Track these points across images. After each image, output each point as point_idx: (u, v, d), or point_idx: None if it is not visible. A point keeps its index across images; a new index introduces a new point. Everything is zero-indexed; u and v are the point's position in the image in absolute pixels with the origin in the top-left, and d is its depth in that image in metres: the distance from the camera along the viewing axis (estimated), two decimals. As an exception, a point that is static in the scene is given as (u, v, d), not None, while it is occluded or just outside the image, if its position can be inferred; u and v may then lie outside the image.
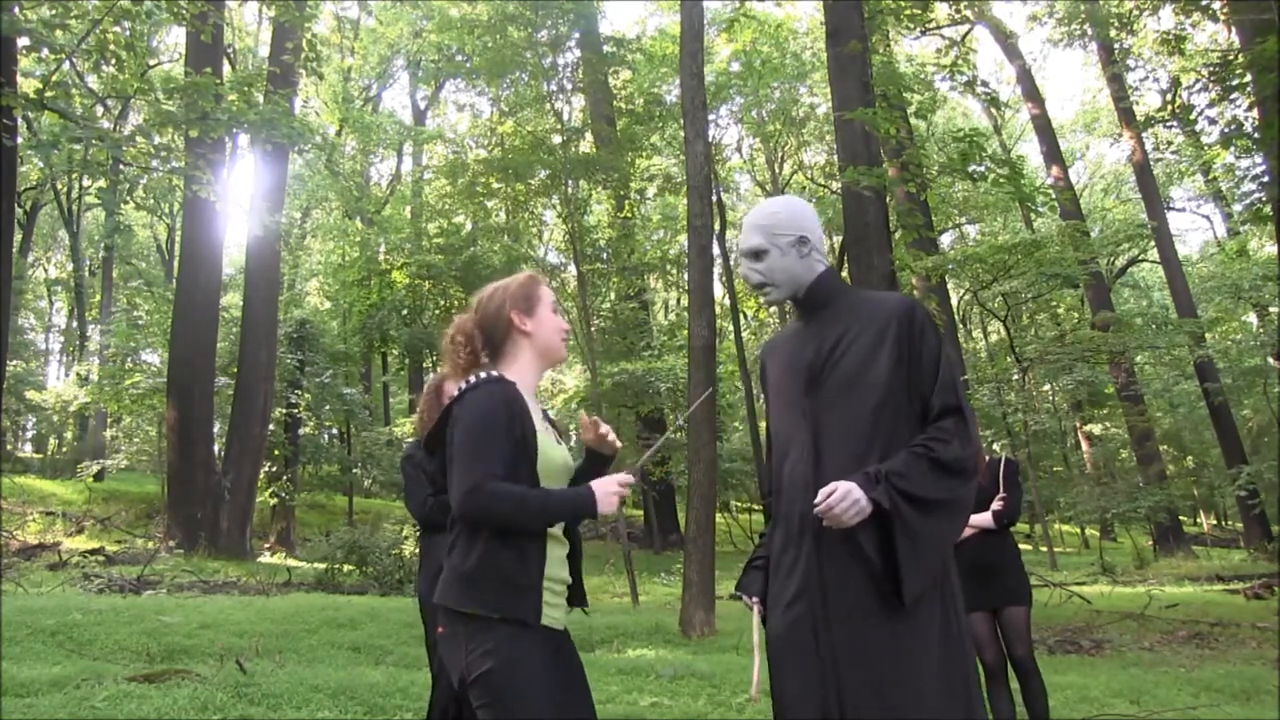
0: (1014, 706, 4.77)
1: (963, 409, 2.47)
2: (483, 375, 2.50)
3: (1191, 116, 17.68)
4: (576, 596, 2.61)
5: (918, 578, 2.35)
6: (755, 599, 2.64)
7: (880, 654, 2.34)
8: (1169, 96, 20.48)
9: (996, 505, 4.85)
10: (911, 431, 2.49)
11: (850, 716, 2.32)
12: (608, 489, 2.44)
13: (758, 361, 2.90)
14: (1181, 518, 26.13)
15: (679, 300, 37.08)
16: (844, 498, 2.31)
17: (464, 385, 2.49)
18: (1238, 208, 26.47)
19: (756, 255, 2.67)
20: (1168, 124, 20.51)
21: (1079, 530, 34.32)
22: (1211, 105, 16.29)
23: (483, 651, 2.33)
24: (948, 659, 2.39)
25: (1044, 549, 23.11)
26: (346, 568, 14.92)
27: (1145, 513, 22.63)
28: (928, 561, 2.38)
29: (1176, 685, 7.10)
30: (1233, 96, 14.76)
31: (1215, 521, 37.64)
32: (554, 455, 2.53)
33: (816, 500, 2.34)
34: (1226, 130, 16.05)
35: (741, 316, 26.60)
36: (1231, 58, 15.22)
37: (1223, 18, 16.66)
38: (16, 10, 12.32)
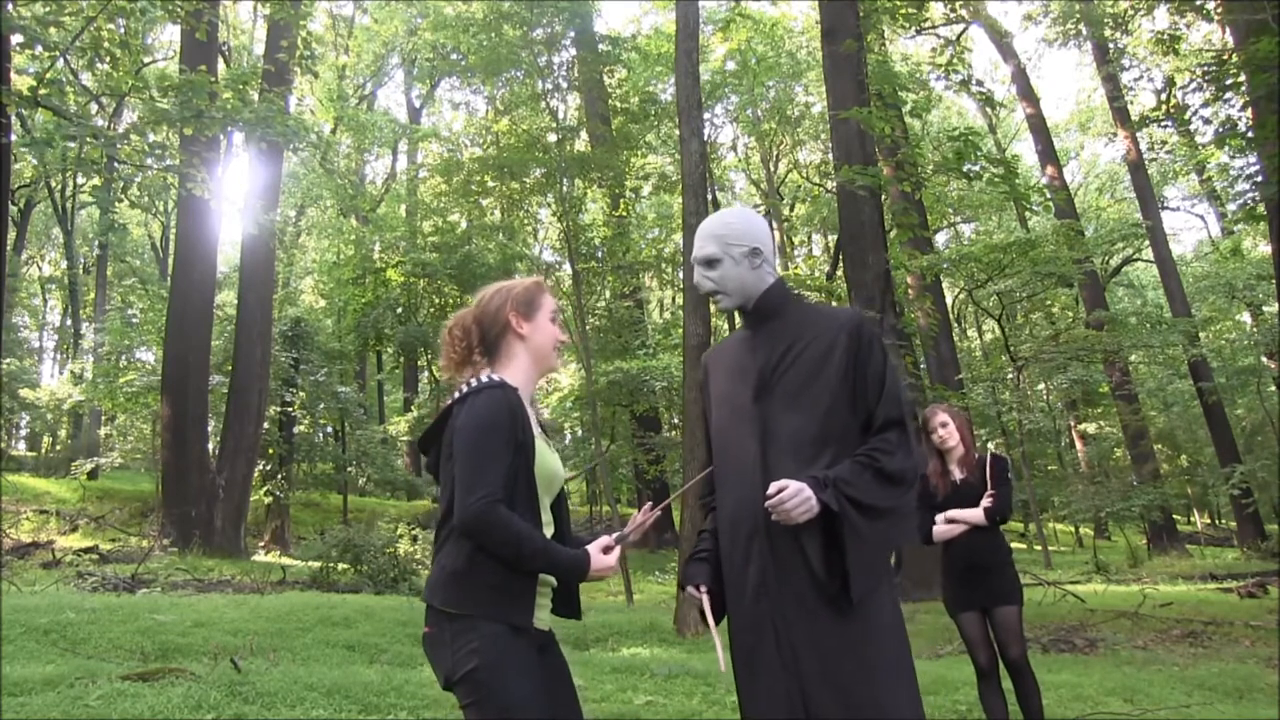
0: (1007, 705, 4.76)
1: (905, 422, 2.56)
2: (484, 379, 2.50)
3: (1186, 116, 17.73)
4: (569, 607, 2.62)
5: (865, 578, 2.43)
6: (702, 586, 2.68)
7: (839, 651, 2.41)
8: (1163, 96, 20.54)
9: (986, 502, 4.82)
10: (856, 441, 2.56)
11: (814, 714, 2.39)
12: (603, 563, 2.48)
13: (700, 367, 2.97)
14: (1175, 516, 26.22)
15: (674, 299, 37.10)
16: (795, 494, 2.37)
17: (466, 388, 2.48)
18: (1232, 207, 26.50)
19: (710, 263, 2.73)
20: (1162, 123, 20.59)
21: (1073, 529, 34.40)
22: (1206, 105, 16.32)
23: (469, 650, 2.32)
24: (901, 655, 2.49)
25: (1038, 547, 23.13)
26: (341, 566, 14.88)
27: (1139, 511, 22.71)
28: (874, 564, 2.47)
29: (1170, 684, 7.11)
30: (1227, 96, 14.78)
31: (1209, 520, 37.76)
32: (549, 462, 2.55)
33: (769, 493, 2.40)
34: (1220, 130, 16.07)
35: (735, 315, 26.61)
36: (1226, 57, 15.25)
37: (1217, 18, 16.72)
38: (10, 7, 12.30)
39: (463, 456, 2.39)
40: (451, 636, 2.35)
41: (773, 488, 2.40)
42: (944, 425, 4.97)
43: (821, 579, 2.44)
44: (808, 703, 2.39)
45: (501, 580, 2.37)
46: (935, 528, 4.92)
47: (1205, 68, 16.20)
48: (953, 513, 4.88)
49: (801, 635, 2.43)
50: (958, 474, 4.93)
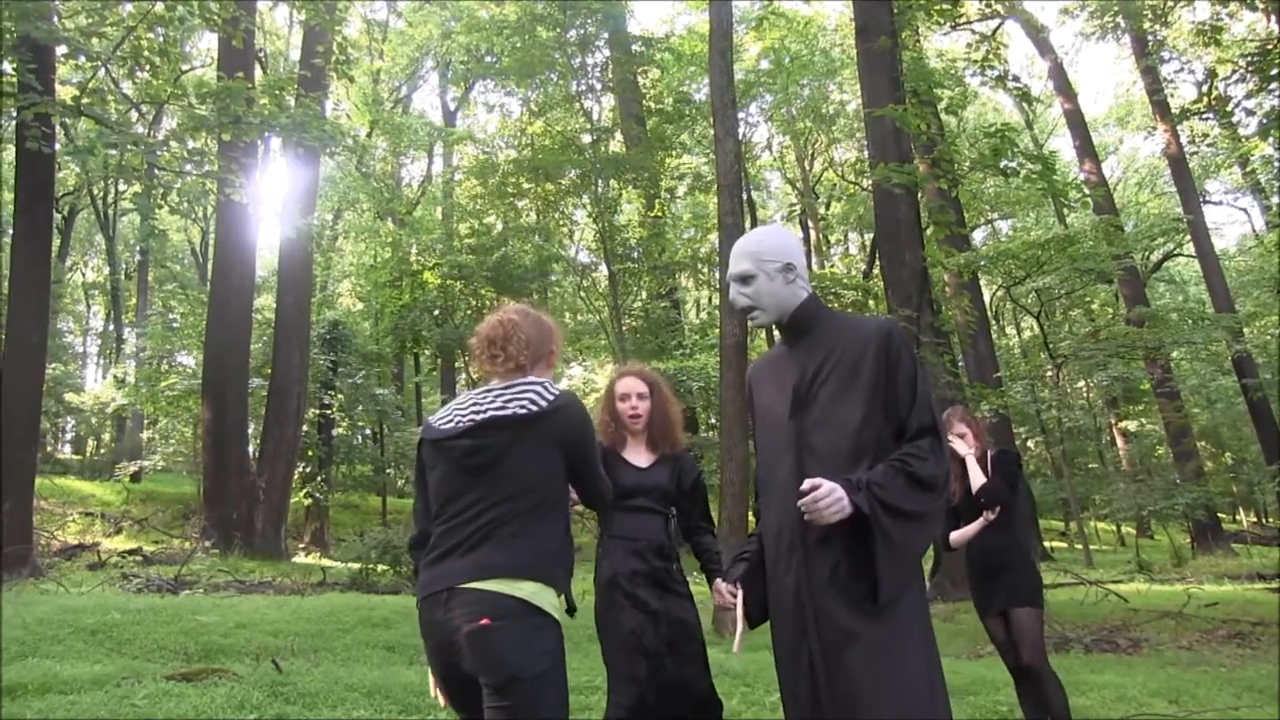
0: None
1: (938, 429, 2.61)
2: (558, 388, 2.73)
3: (1228, 108, 17.46)
4: None
5: (892, 579, 2.49)
6: (737, 584, 2.83)
7: (864, 657, 2.47)
8: (1205, 88, 20.19)
9: (978, 478, 4.84)
10: (891, 451, 2.61)
11: (837, 716, 2.46)
12: None
13: (746, 384, 3.07)
14: (1220, 515, 25.81)
15: (710, 299, 37.05)
16: (828, 494, 2.44)
17: (551, 397, 2.69)
18: (1276, 200, 26.11)
19: (744, 280, 2.81)
20: (1203, 116, 20.25)
21: (1115, 527, 34.00)
22: (1249, 96, 16.08)
23: (545, 649, 2.46)
24: (928, 660, 2.54)
25: (1079, 546, 22.88)
26: (380, 567, 14.98)
27: (1183, 510, 22.38)
28: (902, 567, 2.53)
29: (1217, 685, 7.00)
30: (1271, 87, 14.55)
31: (1255, 519, 37.10)
32: None
33: (802, 489, 2.46)
34: (1265, 121, 15.83)
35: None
36: (1270, 47, 15.01)
37: (1261, 6, 16.45)
38: (55, 19, 12.50)
39: (592, 455, 2.79)
40: (529, 631, 2.46)
41: (806, 484, 2.46)
42: (961, 436, 4.96)
43: (850, 582, 2.51)
44: (832, 704, 2.47)
45: (572, 565, 2.68)
46: (953, 534, 4.91)
47: (1249, 58, 15.94)
48: (954, 535, 4.89)
49: (830, 641, 2.50)
50: (974, 480, 4.90)
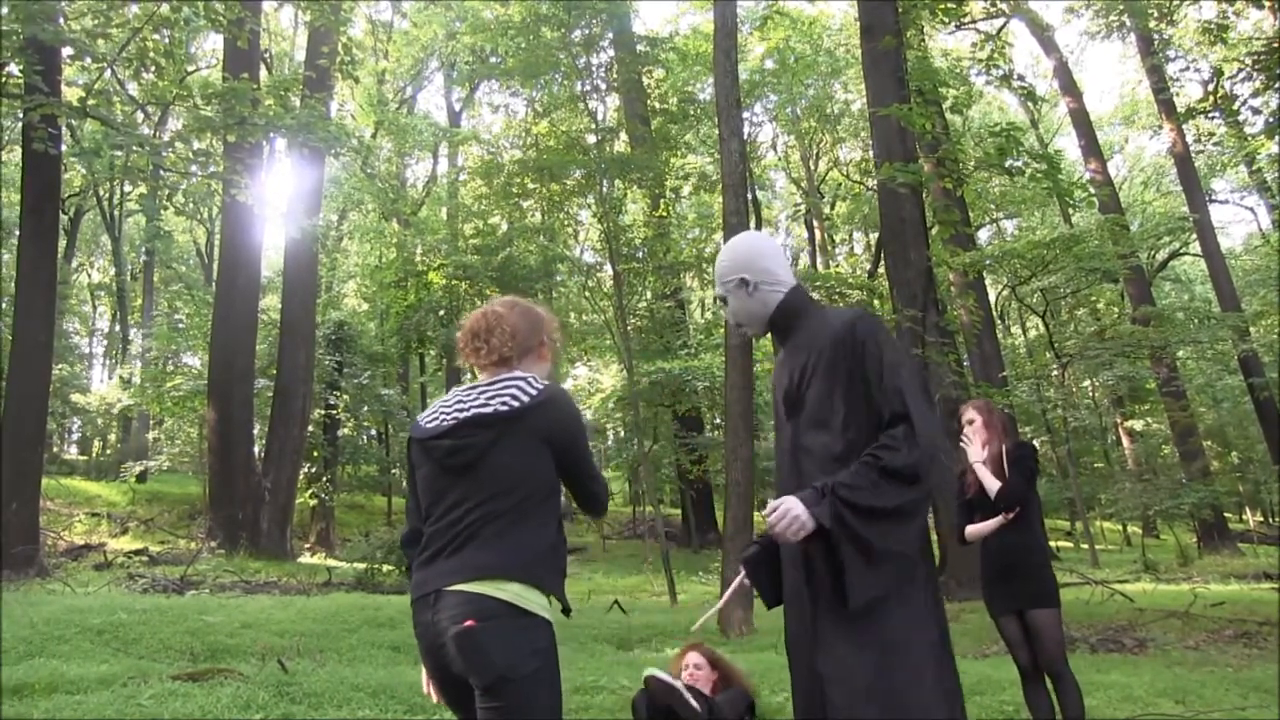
0: (1053, 707, 4.69)
1: (910, 415, 2.54)
2: (544, 382, 2.66)
3: (1234, 107, 17.41)
4: None
5: (865, 582, 2.44)
6: (742, 565, 2.83)
7: (855, 656, 2.46)
8: (1211, 87, 20.12)
9: (993, 484, 4.76)
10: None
11: (832, 715, 2.46)
12: None
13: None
14: (1226, 514, 25.74)
15: (715, 299, 36.98)
16: (783, 516, 2.44)
17: (535, 391, 2.59)
18: (1282, 199, 25.99)
19: (723, 302, 2.93)
20: (1209, 115, 20.21)
21: (1121, 527, 33.93)
22: (1256, 94, 16.02)
23: (534, 649, 2.40)
24: (941, 656, 2.52)
25: (1085, 546, 22.83)
26: (386, 567, 15.01)
27: (1189, 509, 22.32)
28: (881, 568, 2.46)
29: (1224, 685, 6.98)
30: (1277, 85, 14.50)
31: (1262, 518, 37.02)
32: None
33: (764, 514, 2.50)
34: (1271, 119, 15.78)
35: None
36: (1276, 45, 14.97)
37: (1268, 4, 16.40)
38: (61, 21, 12.54)
39: (585, 453, 2.67)
40: (515, 632, 2.41)
41: (769, 507, 2.48)
42: (970, 423, 4.89)
43: (831, 584, 2.50)
44: (827, 703, 2.47)
45: (564, 565, 2.60)
46: (968, 528, 4.86)
47: (1255, 56, 15.90)
48: (970, 530, 4.84)
49: (825, 638, 2.51)
50: (986, 484, 4.82)
